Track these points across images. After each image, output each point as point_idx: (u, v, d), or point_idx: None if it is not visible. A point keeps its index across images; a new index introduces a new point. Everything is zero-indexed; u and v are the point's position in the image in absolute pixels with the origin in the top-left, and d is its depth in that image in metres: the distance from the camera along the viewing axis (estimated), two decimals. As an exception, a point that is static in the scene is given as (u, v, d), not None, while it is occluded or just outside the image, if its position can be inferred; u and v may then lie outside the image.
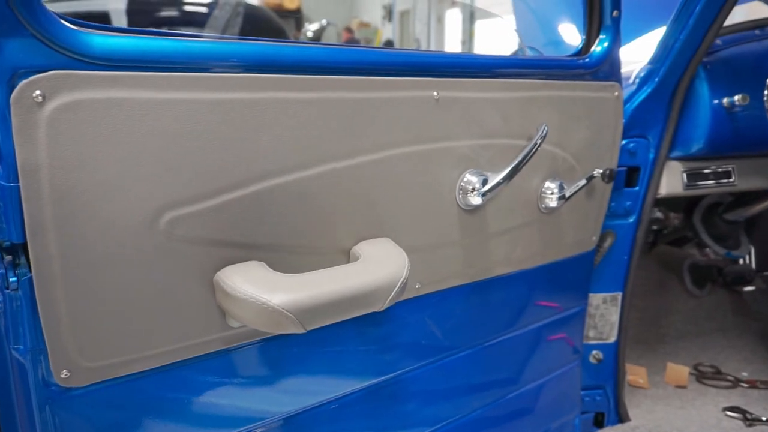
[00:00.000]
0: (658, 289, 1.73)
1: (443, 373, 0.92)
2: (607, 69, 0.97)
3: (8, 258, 0.51)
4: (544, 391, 1.11)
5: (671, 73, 1.06)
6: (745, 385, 1.45)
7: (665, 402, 1.38)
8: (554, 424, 1.15)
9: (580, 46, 0.97)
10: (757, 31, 1.18)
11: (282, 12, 12.08)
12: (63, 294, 0.52)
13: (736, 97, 1.07)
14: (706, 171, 1.18)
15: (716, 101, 1.10)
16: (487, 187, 0.79)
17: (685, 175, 1.16)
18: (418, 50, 0.77)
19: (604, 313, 1.20)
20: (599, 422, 1.28)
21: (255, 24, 4.47)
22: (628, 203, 1.14)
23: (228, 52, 0.59)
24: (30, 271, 0.51)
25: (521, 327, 1.02)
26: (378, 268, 0.66)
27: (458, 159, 0.80)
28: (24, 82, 0.47)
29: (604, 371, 1.24)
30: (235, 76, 0.58)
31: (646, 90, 1.08)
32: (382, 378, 0.82)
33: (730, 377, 1.47)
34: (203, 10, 4.42)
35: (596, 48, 0.95)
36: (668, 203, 1.62)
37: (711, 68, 1.09)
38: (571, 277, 1.09)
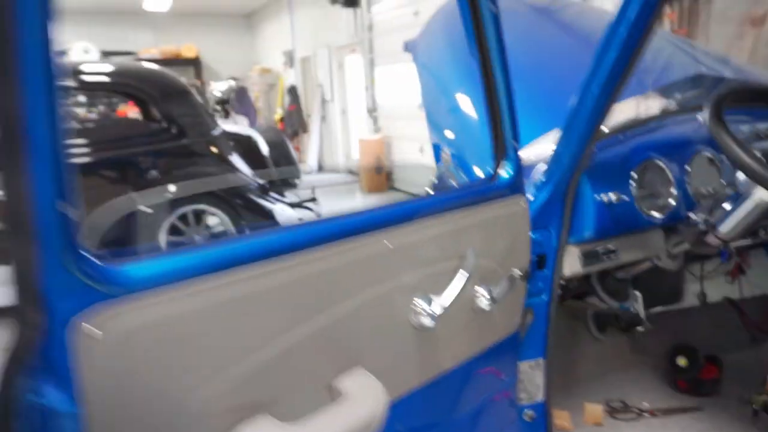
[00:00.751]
0: (568, 338, 1.99)
1: None
2: (514, 186, 1.19)
3: None
4: None
5: (563, 179, 1.30)
6: (647, 414, 1.73)
7: (588, 441, 1.61)
8: None
9: (491, 172, 1.18)
10: (620, 136, 1.48)
11: (180, 61, 11.91)
12: None
13: (612, 195, 1.34)
14: (598, 250, 1.44)
15: (597, 197, 1.37)
16: (436, 313, 0.96)
17: (582, 256, 1.41)
18: (366, 210, 0.93)
19: (531, 378, 1.41)
20: None
21: (159, 87, 4.43)
22: (540, 284, 1.36)
23: (221, 256, 0.71)
24: None
25: (471, 402, 1.20)
26: (361, 405, 0.80)
27: (408, 289, 0.96)
28: (74, 317, 0.57)
29: (537, 427, 1.44)
30: (233, 275, 0.71)
31: (545, 195, 1.31)
32: None
33: (635, 409, 1.74)
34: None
35: (503, 173, 1.17)
36: None
37: (590, 172, 1.36)
38: (504, 354, 1.29)
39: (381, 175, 7.78)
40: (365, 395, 0.82)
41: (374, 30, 7.76)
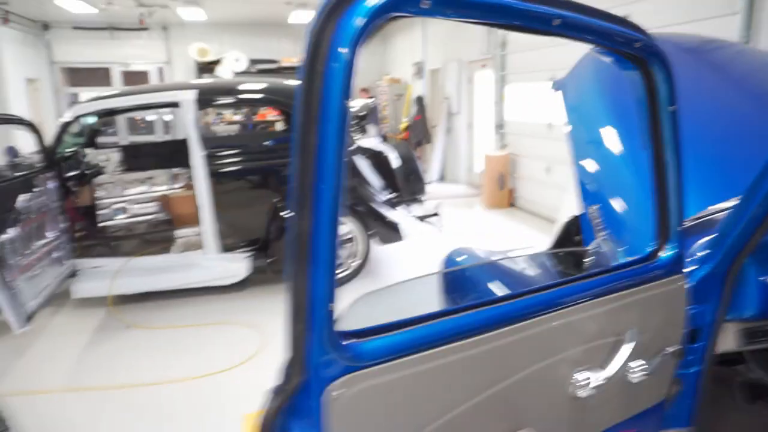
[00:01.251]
0: (711, 405, 1.93)
1: None
2: (674, 267, 1.24)
3: None
4: None
5: (726, 259, 1.31)
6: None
7: None
8: None
9: (650, 251, 1.23)
10: None
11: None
12: None
13: None
14: (758, 328, 1.42)
15: (762, 279, 1.35)
16: (594, 385, 1.05)
17: (739, 333, 1.40)
18: (541, 289, 1.04)
19: (677, 449, 1.43)
20: None
21: None
22: (691, 357, 1.38)
23: (429, 333, 0.87)
24: None
25: None
26: None
27: (569, 363, 1.06)
28: (329, 386, 0.76)
29: None
30: (436, 351, 0.86)
31: (705, 270, 1.32)
32: None
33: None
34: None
35: (666, 254, 1.22)
36: None
37: (756, 251, 1.35)
38: (647, 421, 1.34)
39: (503, 192, 7.76)
40: None
41: (508, 47, 7.74)
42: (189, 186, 5.43)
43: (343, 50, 0.69)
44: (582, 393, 1.06)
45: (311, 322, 0.74)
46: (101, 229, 5.06)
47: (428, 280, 1.84)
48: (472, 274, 2.00)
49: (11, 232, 3.54)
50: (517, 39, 7.44)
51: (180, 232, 5.05)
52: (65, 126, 4.38)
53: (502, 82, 7.92)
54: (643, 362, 1.18)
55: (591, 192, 1.86)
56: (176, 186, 5.58)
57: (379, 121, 10.87)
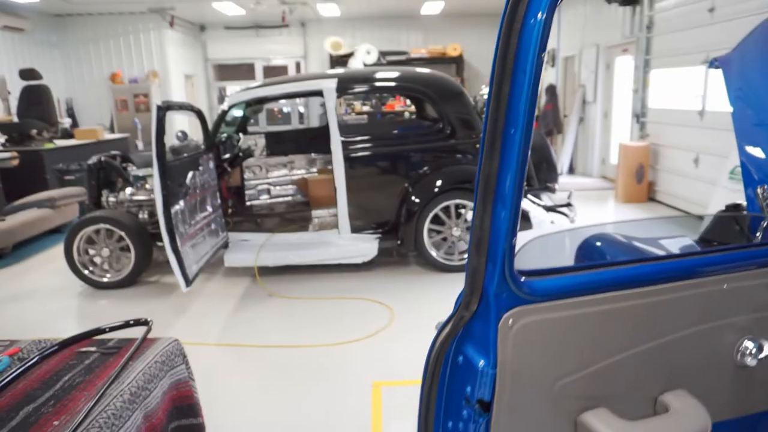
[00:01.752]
0: None
1: None
2: None
3: (476, 406, 0.86)
4: None
5: None
6: None
7: None
8: None
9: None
10: None
11: (444, 59, 12.70)
12: (503, 428, 0.85)
13: None
14: None
15: None
16: (763, 354, 1.00)
17: None
18: (712, 252, 1.02)
19: None
20: None
21: (437, 88, 4.86)
22: None
23: (600, 279, 0.89)
24: (488, 414, 0.85)
25: None
26: (692, 420, 0.92)
27: (738, 329, 1.02)
28: (505, 315, 0.82)
29: None
30: (600, 297, 0.89)
31: None
32: None
33: None
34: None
35: None
36: None
37: None
38: None
39: (642, 185, 7.25)
40: (692, 414, 0.93)
41: (654, 29, 7.18)
42: (324, 170, 5.79)
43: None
44: (750, 362, 1.01)
45: (494, 255, 0.80)
46: (248, 207, 5.58)
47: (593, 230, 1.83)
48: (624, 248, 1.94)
49: (182, 204, 4.05)
50: (667, 19, 6.88)
51: (316, 213, 5.41)
52: (223, 113, 4.88)
53: (646, 67, 7.37)
54: None
55: (759, 177, 1.72)
56: (313, 170, 5.98)
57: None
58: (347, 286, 4.68)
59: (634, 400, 0.95)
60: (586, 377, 0.90)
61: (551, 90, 10.29)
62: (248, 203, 5.64)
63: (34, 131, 7.77)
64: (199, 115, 4.66)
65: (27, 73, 8.09)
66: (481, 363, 0.84)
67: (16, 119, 8.19)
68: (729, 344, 1.02)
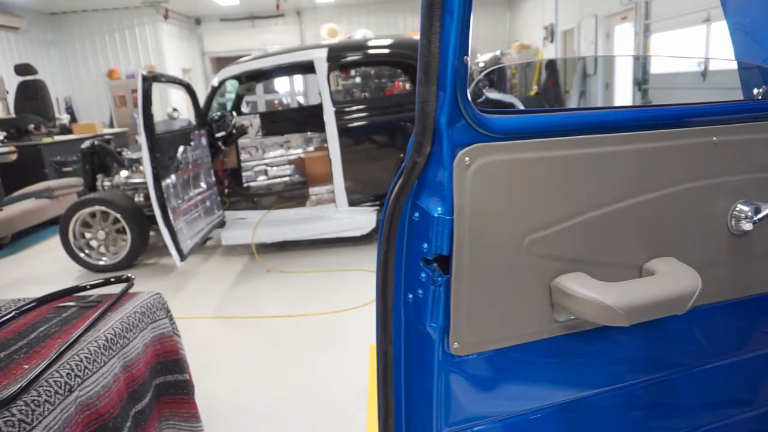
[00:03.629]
0: None
1: (705, 379, 1.02)
2: None
3: (435, 265, 0.77)
4: None
5: None
6: None
7: None
8: None
9: None
10: None
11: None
12: (466, 290, 0.76)
13: None
14: None
15: None
16: (759, 216, 0.91)
17: None
18: (699, 103, 0.92)
19: None
20: None
21: None
22: None
23: (571, 121, 0.80)
24: (449, 274, 0.76)
25: None
26: (678, 280, 0.82)
27: (731, 191, 0.92)
28: (461, 152, 0.73)
29: None
30: (575, 138, 0.79)
31: None
32: (655, 376, 0.97)
33: None
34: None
35: None
36: None
37: None
38: None
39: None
40: (678, 275, 0.84)
41: (653, -8, 7.02)
42: (321, 148, 5.70)
43: None
44: (745, 226, 0.91)
45: (444, 80, 0.70)
46: (245, 188, 5.51)
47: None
48: None
49: (173, 178, 3.98)
50: (664, -19, 6.72)
51: (313, 190, 5.33)
52: (214, 90, 4.81)
53: (646, 32, 7.22)
54: None
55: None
56: (310, 149, 5.90)
57: (509, 84, 10.55)
58: (346, 259, 4.60)
59: (618, 266, 0.86)
60: (561, 235, 0.80)
61: (551, 65, 10.13)
62: (246, 185, 5.57)
63: (31, 126, 7.75)
64: (189, 90, 4.59)
65: (22, 69, 8.06)
66: (437, 210, 0.74)
67: (14, 115, 8.18)
68: (722, 208, 0.92)
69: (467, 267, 0.75)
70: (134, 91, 11.10)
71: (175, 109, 4.96)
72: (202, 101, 4.84)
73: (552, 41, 10.46)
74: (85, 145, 4.94)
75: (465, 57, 0.71)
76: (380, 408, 0.91)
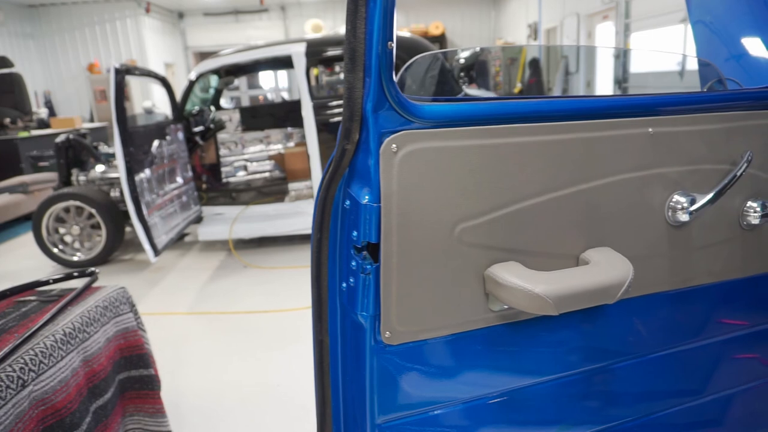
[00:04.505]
0: None
1: (644, 370, 1.03)
2: (812, 94, 1.03)
3: (364, 253, 0.77)
4: (741, 400, 1.16)
5: None
6: None
7: None
8: None
9: (783, 74, 1.04)
10: None
11: (427, 38, 12.62)
12: (396, 279, 0.76)
13: None
14: None
15: None
16: (694, 207, 0.91)
17: None
18: (635, 94, 0.92)
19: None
20: None
21: (414, 54, 4.79)
22: None
23: (504, 110, 0.80)
24: (378, 262, 0.76)
25: (718, 335, 1.10)
26: (610, 269, 0.83)
27: (668, 182, 0.93)
28: (387, 139, 0.72)
29: None
30: (508, 127, 0.79)
31: None
32: (592, 367, 0.97)
33: None
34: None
35: (803, 75, 1.02)
36: None
37: None
38: None
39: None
40: (610, 265, 0.84)
41: (633, -9, 7.08)
42: (301, 143, 5.67)
43: None
44: (682, 217, 0.92)
45: (369, 65, 0.70)
46: (224, 184, 5.47)
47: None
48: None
49: (147, 172, 3.94)
50: (644, -19, 6.78)
51: (293, 186, 5.31)
52: (191, 83, 4.76)
53: (626, 31, 7.28)
54: (765, 203, 1.00)
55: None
56: (290, 144, 5.87)
57: (493, 82, 10.58)
58: (324, 255, 4.59)
59: (554, 256, 0.86)
60: (495, 224, 0.80)
61: (534, 63, 10.18)
62: (225, 180, 5.53)
63: (7, 120, 7.62)
64: (165, 84, 4.54)
65: (-2, 61, 7.92)
66: (365, 198, 0.74)
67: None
68: (659, 199, 0.93)
69: (396, 255, 0.75)
70: (115, 85, 10.96)
71: (152, 105, 4.90)
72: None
73: (536, 39, 10.51)
74: (60, 139, 4.86)
75: (389, 43, 0.71)
76: (317, 398, 0.90)
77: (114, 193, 4.74)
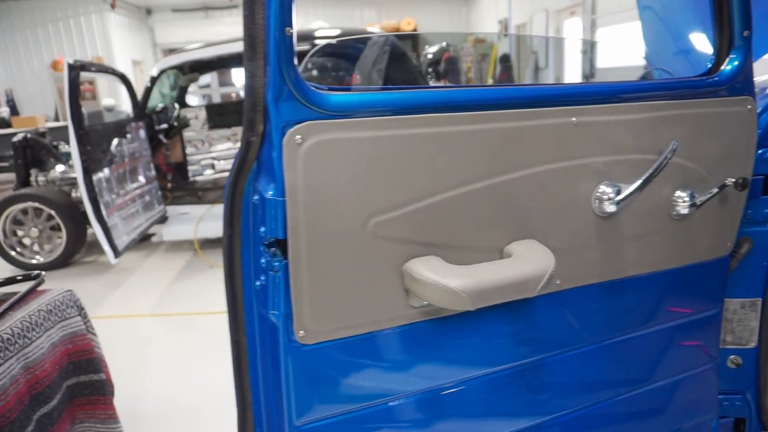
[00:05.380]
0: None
1: (575, 363, 1.03)
2: (738, 85, 1.04)
3: (272, 250, 0.74)
4: (676, 389, 1.16)
5: None
6: None
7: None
8: (688, 423, 1.20)
9: (710, 65, 1.04)
10: None
11: (399, 35, 12.60)
12: (306, 276, 0.73)
13: None
14: None
15: None
16: (620, 197, 0.91)
17: None
18: (558, 83, 0.91)
19: (742, 318, 1.23)
20: (740, 428, 1.29)
21: (391, 55, 4.76)
22: (766, 210, 1.17)
23: (416, 99, 0.78)
24: (287, 259, 0.73)
25: (653, 325, 1.10)
26: (530, 262, 0.81)
27: (594, 173, 0.92)
28: (290, 130, 0.70)
29: (744, 376, 1.25)
30: (421, 117, 0.77)
31: None
32: (522, 361, 0.96)
33: None
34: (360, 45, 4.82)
35: (726, 66, 1.02)
36: None
37: None
38: (705, 281, 1.15)
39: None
40: (531, 258, 0.83)
41: (599, -13, 7.17)
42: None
43: None
44: (608, 208, 0.91)
45: (268, 52, 0.67)
46: (190, 183, 5.37)
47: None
48: None
49: (106, 172, 3.84)
50: (609, -23, 6.86)
51: (260, 183, 5.23)
52: (153, 80, 4.65)
53: (592, 27, 7.37)
54: (693, 193, 1.00)
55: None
56: (257, 141, 5.78)
57: (465, 78, 10.61)
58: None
59: (477, 250, 0.84)
60: (412, 217, 0.78)
61: (505, 59, 10.23)
62: (191, 179, 5.42)
63: (-35, 119, 7.38)
64: (125, 80, 4.43)
65: (-46, 59, 7.65)
66: (269, 193, 0.71)
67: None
68: (585, 189, 0.92)
69: (306, 251, 0.72)
70: (81, 83, 10.70)
71: (114, 103, 4.78)
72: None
73: (507, 35, 10.57)
74: (17, 138, 4.71)
75: (287, 28, 0.68)
76: (237, 402, 0.87)
77: (75, 194, 4.61)
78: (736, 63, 1.01)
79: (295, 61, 0.70)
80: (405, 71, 4.75)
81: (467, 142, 0.81)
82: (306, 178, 0.71)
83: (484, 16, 11.98)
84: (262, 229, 0.73)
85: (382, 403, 0.84)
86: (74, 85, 3.48)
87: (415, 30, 12.47)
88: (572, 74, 8.36)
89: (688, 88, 1.00)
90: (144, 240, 5.12)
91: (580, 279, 0.97)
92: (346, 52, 5.05)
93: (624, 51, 6.72)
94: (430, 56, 5.88)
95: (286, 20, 0.68)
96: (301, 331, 0.75)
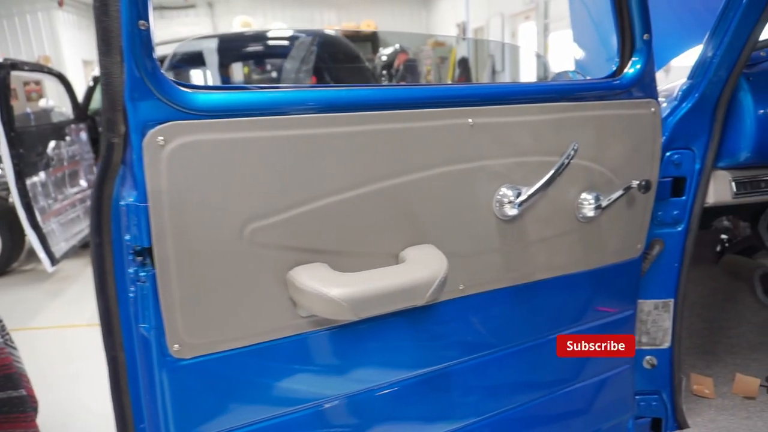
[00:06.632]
0: (727, 299, 1.70)
1: (488, 368, 1.01)
2: (641, 87, 1.04)
3: (139, 259, 0.69)
4: (593, 391, 1.16)
5: (712, 87, 1.10)
6: (823, 398, 1.40)
7: (730, 412, 1.37)
8: (605, 424, 1.20)
9: (614, 68, 1.04)
10: None
11: (359, 37, 12.59)
12: (177, 286, 0.69)
13: None
14: (758, 178, 1.20)
15: (761, 111, 1.13)
16: (521, 199, 0.89)
17: (733, 183, 1.18)
18: (453, 84, 0.89)
19: (656, 319, 1.24)
20: (657, 428, 1.31)
21: (332, 52, 4.73)
22: (676, 212, 1.18)
23: (297, 99, 0.74)
24: (154, 268, 0.69)
25: (566, 328, 1.10)
26: (419, 268, 0.79)
27: (494, 175, 0.90)
28: (151, 131, 0.65)
29: (659, 377, 1.27)
30: (300, 117, 0.74)
31: (688, 104, 1.12)
32: (430, 369, 0.94)
33: (805, 390, 1.43)
34: (284, 44, 4.74)
35: (629, 69, 1.03)
36: (736, 212, 1.61)
37: (754, 80, 1.13)
38: (617, 283, 1.15)
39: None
40: (422, 263, 0.80)
41: (551, -7, 7.31)
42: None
43: None
44: (510, 211, 0.90)
45: (124, 49, 0.63)
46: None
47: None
48: None
49: (42, 176, 3.67)
50: (560, -18, 7.00)
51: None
52: (96, 80, 4.48)
53: (546, 31, 7.51)
54: (598, 195, 1.00)
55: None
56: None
57: (422, 77, 10.64)
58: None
59: (370, 256, 0.81)
60: (294, 223, 0.74)
61: (464, 63, 10.32)
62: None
63: None
64: (62, 80, 4.26)
65: None
66: (131, 198, 0.67)
67: None
68: (486, 192, 0.90)
69: (174, 260, 0.68)
70: (26, 83, 10.26)
71: (47, 102, 4.58)
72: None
73: (465, 38, 10.67)
74: (-52, 141, 4.46)
75: (141, 21, 0.64)
76: (117, 422, 0.82)
77: (12, 199, 4.40)
78: (638, 66, 1.02)
79: (155, 56, 0.66)
80: (356, 75, 4.71)
81: (356, 144, 0.77)
82: (171, 182, 0.66)
83: (443, 20, 12.07)
84: (128, 236, 0.69)
85: (273, 418, 0.80)
86: (3, 85, 3.32)
87: (374, 33, 12.46)
88: (528, 77, 8.50)
89: (591, 90, 1.00)
90: (86, 246, 4.92)
91: (485, 284, 0.95)
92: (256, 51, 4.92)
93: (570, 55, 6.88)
94: (384, 58, 5.86)
95: (141, 13, 0.63)
96: (176, 345, 0.70)
